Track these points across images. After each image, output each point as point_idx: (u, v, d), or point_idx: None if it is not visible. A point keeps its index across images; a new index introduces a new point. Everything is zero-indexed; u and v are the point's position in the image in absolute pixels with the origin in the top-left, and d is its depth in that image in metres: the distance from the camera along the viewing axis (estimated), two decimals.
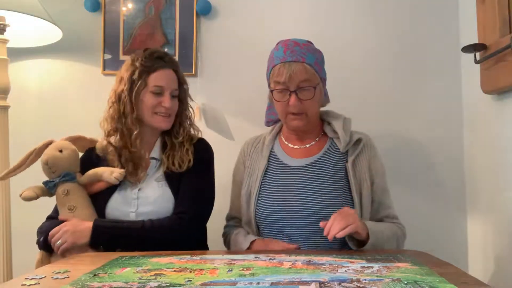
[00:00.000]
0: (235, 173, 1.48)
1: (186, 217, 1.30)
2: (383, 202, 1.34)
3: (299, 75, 1.27)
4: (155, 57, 1.35)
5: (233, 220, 1.46)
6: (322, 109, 1.45)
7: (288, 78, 1.27)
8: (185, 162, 1.36)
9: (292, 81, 1.27)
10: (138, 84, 1.32)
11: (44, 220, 1.36)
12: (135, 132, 1.33)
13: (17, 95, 1.73)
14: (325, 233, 1.10)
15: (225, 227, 1.48)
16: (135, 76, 1.32)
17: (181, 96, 1.41)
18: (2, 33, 1.58)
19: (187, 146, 1.38)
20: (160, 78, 1.34)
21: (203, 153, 1.42)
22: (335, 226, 1.09)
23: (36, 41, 1.77)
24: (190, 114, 1.45)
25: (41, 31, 1.71)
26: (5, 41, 1.59)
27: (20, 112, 1.79)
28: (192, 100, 1.47)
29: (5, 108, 1.59)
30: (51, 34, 1.73)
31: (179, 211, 1.31)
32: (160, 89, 1.34)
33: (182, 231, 1.29)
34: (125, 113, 1.33)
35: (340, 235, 1.08)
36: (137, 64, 1.33)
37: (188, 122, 1.44)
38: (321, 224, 1.13)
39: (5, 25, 1.58)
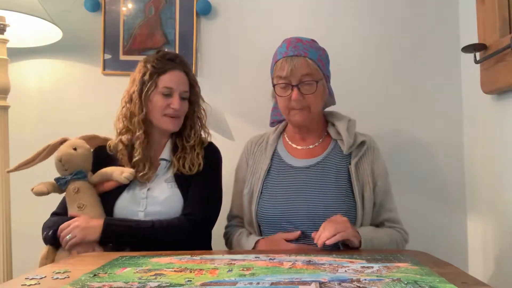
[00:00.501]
0: (238, 172, 1.47)
1: (195, 219, 1.31)
2: (384, 205, 1.34)
3: (301, 69, 1.27)
4: (167, 58, 1.36)
5: (235, 220, 1.46)
6: (327, 109, 1.45)
7: (290, 72, 1.27)
8: (195, 166, 1.37)
9: (294, 75, 1.28)
10: (148, 85, 1.33)
11: (44, 219, 1.36)
12: (142, 133, 1.34)
13: (17, 95, 1.73)
14: (315, 241, 1.12)
15: (227, 227, 1.47)
16: (146, 77, 1.34)
17: (192, 98, 1.41)
18: (2, 33, 1.58)
19: (198, 150, 1.40)
20: (169, 79, 1.35)
21: (213, 157, 1.43)
22: (324, 234, 1.11)
23: (36, 41, 1.77)
24: (201, 116, 1.46)
25: (41, 31, 1.71)
26: (5, 41, 1.59)
27: (20, 112, 1.79)
28: (204, 101, 1.47)
29: (5, 108, 1.59)
30: (51, 34, 1.73)
31: (188, 212, 1.32)
32: (169, 91, 1.35)
33: (190, 233, 1.29)
34: (135, 113, 1.34)
35: (329, 242, 1.09)
36: (149, 66, 1.35)
37: (199, 124, 1.45)
38: (313, 234, 1.14)
39: (5, 25, 1.58)
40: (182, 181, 1.36)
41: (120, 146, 1.37)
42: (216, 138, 1.60)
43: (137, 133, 1.35)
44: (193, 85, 1.42)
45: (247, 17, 1.84)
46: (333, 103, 1.45)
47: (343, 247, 1.18)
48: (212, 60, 1.84)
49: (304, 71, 1.28)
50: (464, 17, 1.75)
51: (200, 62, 1.84)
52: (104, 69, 1.83)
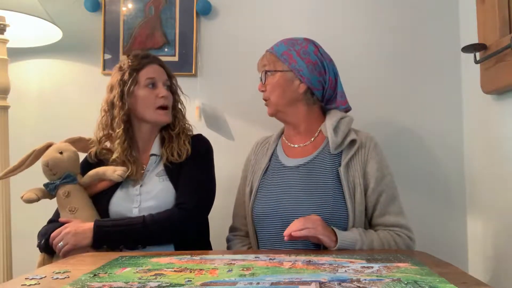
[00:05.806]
0: (243, 170, 1.50)
1: (186, 207, 1.31)
2: (378, 208, 1.27)
3: (261, 62, 1.40)
4: (141, 56, 1.40)
5: (238, 218, 1.46)
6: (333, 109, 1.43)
7: (257, 67, 1.42)
8: (183, 152, 1.38)
9: (258, 69, 1.42)
10: (129, 84, 1.35)
11: (44, 221, 1.36)
12: (122, 131, 1.35)
13: (17, 95, 1.73)
14: (284, 234, 1.14)
15: (230, 230, 1.47)
16: (125, 77, 1.35)
17: (173, 89, 1.45)
18: (2, 33, 1.58)
19: (183, 138, 1.41)
20: (150, 71, 1.39)
21: (201, 145, 1.44)
22: (291, 227, 1.13)
23: (36, 41, 1.77)
24: (182, 108, 1.48)
25: (41, 31, 1.71)
26: (5, 41, 1.59)
27: (20, 112, 1.79)
28: (183, 93, 1.49)
29: (5, 108, 1.59)
30: (51, 34, 1.73)
31: (179, 202, 1.32)
32: (152, 81, 1.38)
33: (183, 222, 1.29)
34: (120, 117, 1.35)
35: (294, 234, 1.12)
36: (125, 67, 1.38)
37: (182, 116, 1.47)
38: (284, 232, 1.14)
39: (5, 25, 1.58)
40: (172, 173, 1.37)
41: (105, 151, 1.40)
42: (216, 138, 1.60)
43: (117, 131, 1.36)
44: (171, 76, 1.45)
45: (247, 17, 1.84)
46: (337, 106, 1.39)
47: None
48: (212, 60, 1.84)
49: (262, 64, 1.39)
50: (464, 17, 1.75)
51: (200, 62, 1.84)
52: (104, 69, 1.83)
